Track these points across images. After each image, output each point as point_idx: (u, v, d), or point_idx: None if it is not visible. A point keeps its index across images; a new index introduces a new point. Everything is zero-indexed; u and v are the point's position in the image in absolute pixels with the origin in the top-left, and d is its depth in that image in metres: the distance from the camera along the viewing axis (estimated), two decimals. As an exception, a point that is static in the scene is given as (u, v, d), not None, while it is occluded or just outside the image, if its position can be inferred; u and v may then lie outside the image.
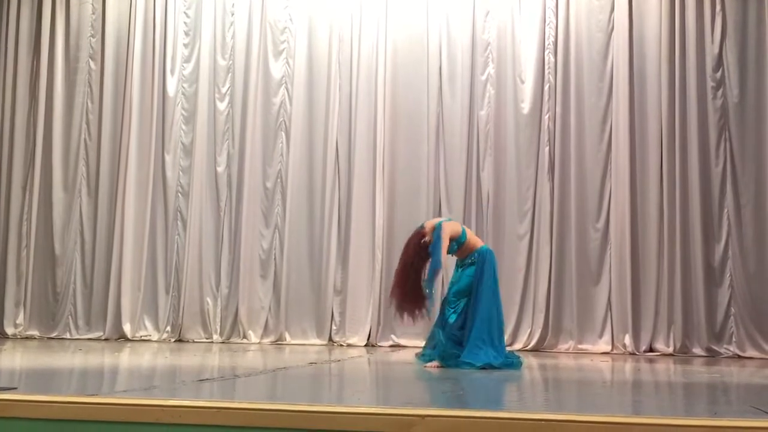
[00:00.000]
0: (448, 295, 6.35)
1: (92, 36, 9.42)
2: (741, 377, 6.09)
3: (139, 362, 6.43)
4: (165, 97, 9.23)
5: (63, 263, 9.20)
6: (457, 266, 6.39)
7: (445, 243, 6.18)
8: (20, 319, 9.16)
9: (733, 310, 8.14)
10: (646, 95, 8.49)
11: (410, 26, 8.94)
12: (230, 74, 9.19)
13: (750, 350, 8.01)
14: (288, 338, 8.78)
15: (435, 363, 6.03)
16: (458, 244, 6.28)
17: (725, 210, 8.27)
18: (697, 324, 8.13)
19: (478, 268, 6.20)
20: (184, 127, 9.21)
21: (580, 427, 3.00)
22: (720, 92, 8.36)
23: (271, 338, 8.78)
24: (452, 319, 6.13)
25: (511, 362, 6.08)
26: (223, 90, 9.19)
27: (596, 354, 8.08)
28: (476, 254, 6.27)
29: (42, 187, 9.31)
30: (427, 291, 6.22)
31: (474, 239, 6.40)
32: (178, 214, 9.10)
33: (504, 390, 4.87)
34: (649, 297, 8.29)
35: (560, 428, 2.98)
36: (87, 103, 9.36)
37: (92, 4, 9.44)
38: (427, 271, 6.23)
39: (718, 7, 8.39)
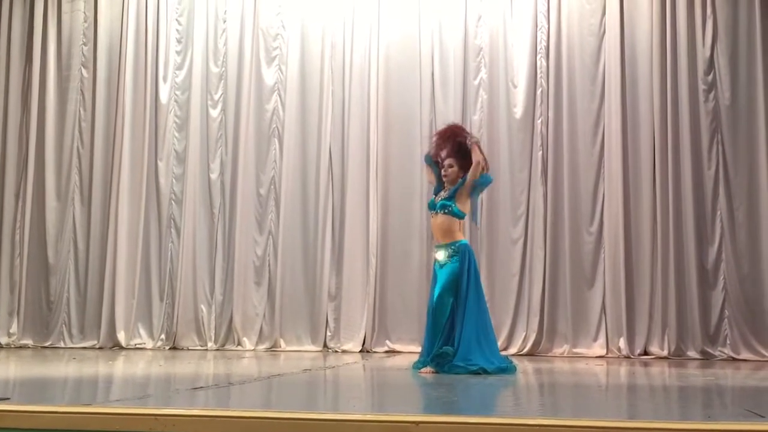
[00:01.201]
0: (433, 296, 6.22)
1: (84, 44, 9.41)
2: (735, 380, 6.10)
3: (134, 371, 6.41)
4: (158, 105, 9.22)
5: (56, 272, 9.17)
6: (437, 259, 6.29)
7: (477, 164, 6.19)
8: (14, 328, 9.12)
9: (727, 312, 8.15)
10: (638, 99, 8.51)
11: (402, 32, 8.95)
12: (223, 81, 9.19)
13: (744, 352, 8.02)
14: (283, 345, 8.76)
15: (429, 369, 6.02)
16: (456, 216, 6.23)
17: (718, 212, 8.29)
18: (691, 327, 8.15)
19: (463, 264, 6.16)
20: (176, 134, 9.20)
21: (575, 431, 3.00)
22: (712, 95, 8.38)
23: (266, 345, 8.77)
24: (444, 320, 6.10)
25: (506, 367, 6.06)
26: (216, 97, 9.19)
27: (591, 358, 8.08)
28: (460, 246, 6.21)
29: (35, 196, 9.28)
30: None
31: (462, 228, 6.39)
32: (172, 221, 9.09)
33: (499, 395, 4.87)
34: (644, 300, 8.30)
35: (555, 433, 2.98)
36: (79, 111, 9.35)
37: (84, 12, 9.43)
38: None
39: (708, 11, 8.42)
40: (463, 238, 6.34)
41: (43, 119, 9.34)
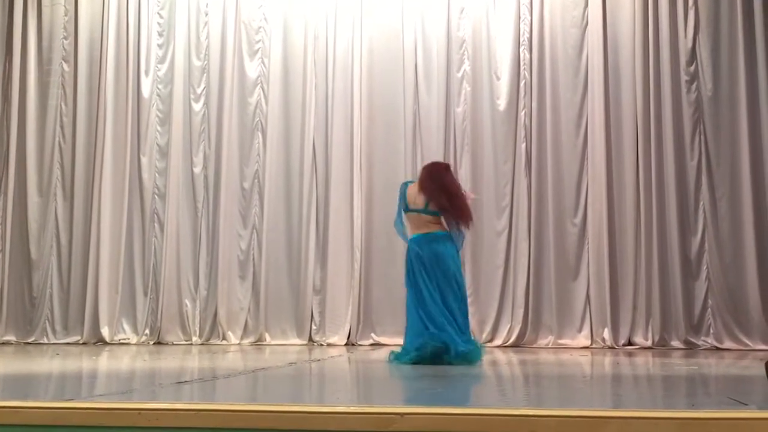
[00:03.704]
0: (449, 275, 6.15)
1: (65, 38, 9.34)
2: (718, 369, 6.14)
3: (118, 366, 6.39)
4: (140, 99, 9.16)
5: (39, 267, 9.10)
6: (427, 243, 6.21)
7: None
8: (-4, 325, 9.07)
9: (710, 302, 8.20)
10: (621, 90, 8.54)
11: (385, 24, 8.94)
12: (205, 74, 9.15)
13: (727, 342, 8.08)
14: (268, 339, 8.75)
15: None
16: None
17: (701, 203, 8.33)
18: (674, 317, 8.19)
19: (453, 250, 6.17)
20: (159, 128, 9.15)
21: (559, 421, 3.00)
22: (694, 86, 8.42)
23: (251, 339, 8.74)
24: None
25: (471, 350, 6.03)
26: (199, 90, 9.14)
27: (576, 348, 8.11)
28: (449, 233, 6.21)
29: (17, 191, 9.21)
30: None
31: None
32: (155, 216, 9.05)
33: (484, 386, 4.88)
34: (627, 291, 8.34)
35: (539, 423, 2.98)
36: (61, 105, 9.28)
37: (64, 6, 9.35)
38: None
39: (690, 2, 8.46)
40: None
41: (24, 114, 9.25)
